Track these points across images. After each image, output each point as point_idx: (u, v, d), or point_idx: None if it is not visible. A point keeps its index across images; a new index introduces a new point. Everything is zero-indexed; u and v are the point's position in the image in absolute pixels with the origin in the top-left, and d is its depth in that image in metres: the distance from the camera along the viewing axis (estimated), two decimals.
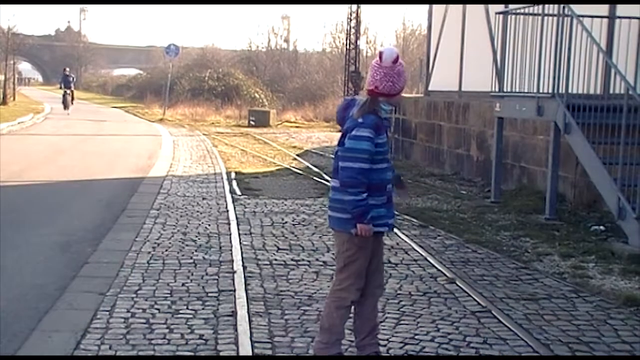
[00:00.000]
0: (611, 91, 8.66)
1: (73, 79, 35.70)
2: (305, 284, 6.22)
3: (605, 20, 9.98)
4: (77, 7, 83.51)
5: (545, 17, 9.45)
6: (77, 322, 5.12)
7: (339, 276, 4.29)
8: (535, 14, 9.71)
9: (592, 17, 9.34)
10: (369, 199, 4.09)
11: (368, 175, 4.08)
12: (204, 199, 10.78)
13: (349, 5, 29.70)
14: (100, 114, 36.56)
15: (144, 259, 6.99)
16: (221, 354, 4.57)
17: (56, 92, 70.17)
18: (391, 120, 4.43)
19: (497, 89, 10.90)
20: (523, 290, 6.21)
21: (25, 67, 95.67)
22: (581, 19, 8.94)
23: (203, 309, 5.50)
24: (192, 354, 4.56)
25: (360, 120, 4.12)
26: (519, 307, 5.73)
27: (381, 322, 5.23)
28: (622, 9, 10.16)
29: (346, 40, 29.68)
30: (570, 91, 9.07)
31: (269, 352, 4.59)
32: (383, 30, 76.28)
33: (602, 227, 8.73)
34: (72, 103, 34.28)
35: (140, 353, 4.55)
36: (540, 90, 9.54)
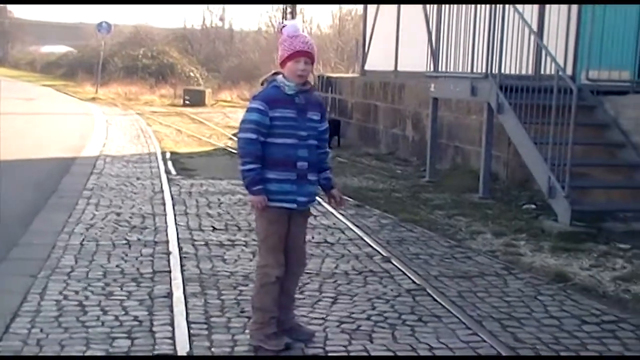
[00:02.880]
0: (542, 72, 8.83)
1: None
2: (241, 264, 6.20)
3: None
4: None
5: None
6: (7, 305, 4.98)
7: (260, 252, 4.38)
8: None
9: (525, 2, 9.50)
10: (265, 172, 4.13)
11: (260, 147, 4.11)
12: (138, 179, 10.62)
13: None
14: (29, 92, 35.51)
15: (77, 240, 6.85)
16: (157, 335, 4.52)
17: None
18: (316, 99, 4.30)
19: (432, 70, 11.02)
20: (457, 268, 6.33)
21: None
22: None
23: (138, 290, 5.43)
24: (127, 335, 4.50)
25: (255, 93, 4.24)
26: (453, 284, 5.84)
27: (318, 301, 5.25)
28: None
29: (282, 19, 29.49)
30: (503, 72, 9.22)
31: (205, 333, 4.56)
32: (319, 9, 76.04)
33: (533, 206, 8.94)
34: None
35: (73, 336, 4.46)
36: (474, 71, 9.68)
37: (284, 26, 4.25)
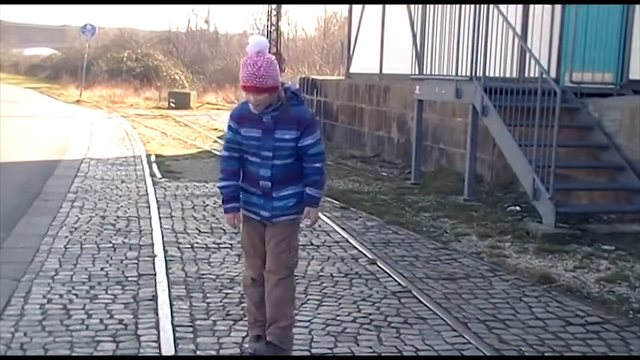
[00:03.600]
0: (526, 75, 8.87)
1: None
2: (227, 267, 6.19)
3: (520, 5, 10.22)
4: None
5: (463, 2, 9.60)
6: None
7: None
8: None
9: (507, 2, 9.54)
10: (240, 185, 4.20)
11: (233, 163, 4.17)
12: (123, 182, 10.57)
13: None
14: (13, 94, 35.28)
15: (61, 244, 6.81)
16: (142, 338, 4.50)
17: None
18: (293, 116, 4.23)
19: (417, 72, 11.04)
20: (442, 270, 6.34)
21: None
22: (497, 5, 9.13)
23: (123, 293, 5.40)
24: (112, 339, 4.47)
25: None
26: (438, 286, 5.85)
27: (303, 303, 5.25)
28: None
29: (267, 21, 29.48)
30: (487, 74, 9.26)
31: (190, 336, 4.55)
32: (304, 12, 76.02)
33: (518, 208, 8.98)
34: None
35: (57, 339, 4.44)
36: (459, 74, 9.71)
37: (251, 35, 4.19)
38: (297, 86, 4.29)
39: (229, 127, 4.17)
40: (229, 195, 4.18)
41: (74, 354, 4.24)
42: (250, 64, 3.89)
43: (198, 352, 4.32)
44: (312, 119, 4.19)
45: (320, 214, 8.36)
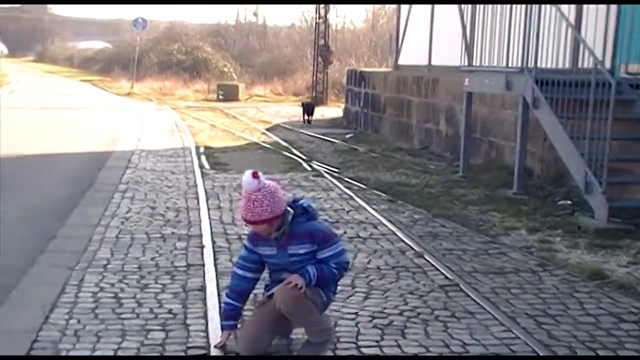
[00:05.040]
0: (580, 66, 8.70)
1: None
2: None
3: None
4: None
5: None
6: (45, 296, 5.07)
7: None
8: None
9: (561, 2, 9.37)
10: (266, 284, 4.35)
11: (242, 283, 4.29)
12: (172, 173, 10.70)
13: None
14: (67, 87, 36.02)
15: (113, 234, 6.93)
16: (190, 328, 4.56)
17: (22, 64, 68.93)
18: (304, 231, 4.35)
19: (466, 64, 10.93)
20: (490, 264, 6.28)
21: None
22: None
23: (172, 283, 5.48)
24: (161, 328, 4.55)
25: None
26: (487, 280, 5.79)
27: (350, 296, 5.26)
28: None
29: (315, 14, 29.48)
30: (539, 66, 9.12)
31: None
32: (352, 4, 75.64)
33: (569, 202, 8.83)
34: None
35: (109, 327, 4.53)
36: (509, 65, 9.58)
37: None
38: (309, 202, 4.35)
39: (245, 246, 4.35)
40: (230, 313, 4.31)
41: (125, 343, 4.31)
42: (246, 198, 4.15)
43: None
44: (326, 231, 4.29)
45: (367, 207, 8.40)
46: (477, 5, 10.38)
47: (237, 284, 4.30)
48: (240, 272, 4.31)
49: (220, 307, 4.89)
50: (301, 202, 4.29)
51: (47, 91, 31.20)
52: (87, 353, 4.15)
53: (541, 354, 4.33)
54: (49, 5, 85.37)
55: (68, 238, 6.82)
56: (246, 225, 4.32)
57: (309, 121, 20.49)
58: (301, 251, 4.17)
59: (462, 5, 13.32)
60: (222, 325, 4.37)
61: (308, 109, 20.78)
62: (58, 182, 9.91)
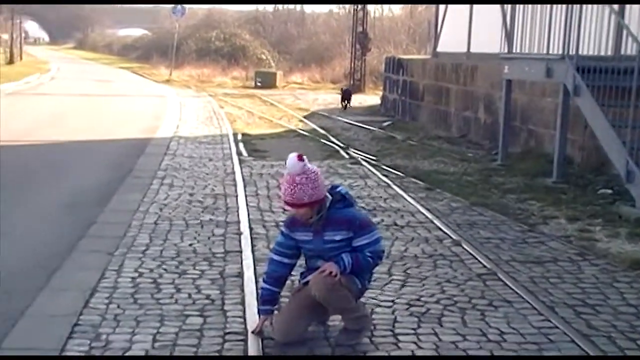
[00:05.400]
0: (622, 52, 8.54)
1: None
2: None
3: None
4: None
5: None
6: (86, 281, 5.15)
7: None
8: None
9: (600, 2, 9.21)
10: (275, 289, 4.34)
11: (279, 268, 4.31)
12: (210, 160, 10.78)
13: None
14: (107, 74, 36.47)
15: (151, 220, 7.01)
16: (228, 314, 4.60)
17: (63, 51, 69.89)
18: (341, 218, 4.33)
19: (506, 51, 10.81)
20: (529, 253, 6.22)
21: (31, 27, 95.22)
22: None
23: (210, 269, 5.53)
24: (199, 313, 4.60)
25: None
26: (525, 269, 5.75)
27: (386, 284, 5.26)
28: None
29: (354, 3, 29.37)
30: (580, 53, 8.98)
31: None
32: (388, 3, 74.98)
33: (609, 191, 8.71)
34: None
35: (148, 312, 4.59)
36: (550, 52, 9.45)
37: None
38: (347, 189, 4.37)
39: (282, 232, 4.37)
40: (267, 297, 4.34)
41: (163, 328, 4.37)
42: (289, 181, 4.13)
43: None
44: (363, 219, 4.31)
45: (404, 195, 8.37)
46: None
47: (274, 269, 4.33)
48: (276, 257, 4.33)
49: (257, 293, 4.93)
50: (339, 189, 4.31)
51: (87, 78, 31.62)
52: (126, 337, 4.21)
53: (581, 346, 4.29)
54: None
55: (108, 224, 6.91)
56: (284, 211, 4.36)
57: (345, 107, 20.58)
58: (337, 238, 4.19)
59: None
60: (258, 310, 4.42)
61: (346, 95, 20.92)
62: (98, 169, 10.05)
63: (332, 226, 4.19)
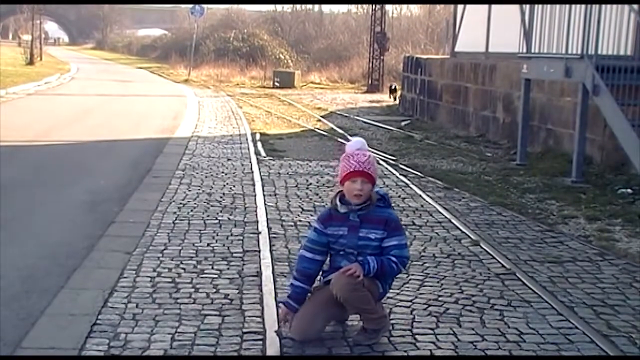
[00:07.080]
0: None
1: None
2: None
3: None
4: None
5: None
6: (105, 280, 5.19)
7: None
8: None
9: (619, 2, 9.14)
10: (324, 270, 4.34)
11: (311, 265, 4.29)
12: (228, 160, 10.81)
13: None
14: (126, 74, 36.67)
15: (170, 219, 7.04)
16: (246, 313, 4.61)
17: (82, 52, 70.34)
18: (380, 216, 4.15)
19: (524, 50, 10.76)
20: (548, 253, 6.19)
21: (51, 27, 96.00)
22: None
23: (228, 269, 5.55)
24: (217, 313, 4.61)
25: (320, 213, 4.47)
26: (544, 269, 5.72)
27: (405, 283, 5.25)
28: None
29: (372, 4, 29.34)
30: (599, 52, 8.92)
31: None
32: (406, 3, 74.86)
33: (629, 190, 8.64)
34: None
35: (166, 312, 4.61)
36: (569, 52, 9.39)
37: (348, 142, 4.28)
38: (385, 191, 4.42)
39: (315, 228, 4.34)
40: (299, 295, 4.30)
41: (181, 327, 4.39)
42: (359, 154, 4.19)
43: None
44: (398, 221, 4.32)
45: (423, 194, 8.35)
46: None
47: (307, 266, 4.32)
48: (309, 254, 4.31)
49: (275, 293, 4.94)
50: (378, 189, 4.34)
51: (106, 78, 31.81)
52: (145, 337, 4.23)
53: (601, 347, 4.26)
54: None
55: (126, 223, 6.95)
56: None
57: (395, 98, 22.69)
58: (371, 236, 4.20)
59: None
60: (286, 303, 4.32)
61: (392, 90, 23.53)
62: (117, 168, 10.11)
63: (369, 224, 4.21)
